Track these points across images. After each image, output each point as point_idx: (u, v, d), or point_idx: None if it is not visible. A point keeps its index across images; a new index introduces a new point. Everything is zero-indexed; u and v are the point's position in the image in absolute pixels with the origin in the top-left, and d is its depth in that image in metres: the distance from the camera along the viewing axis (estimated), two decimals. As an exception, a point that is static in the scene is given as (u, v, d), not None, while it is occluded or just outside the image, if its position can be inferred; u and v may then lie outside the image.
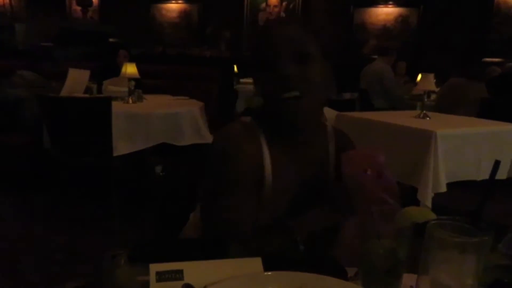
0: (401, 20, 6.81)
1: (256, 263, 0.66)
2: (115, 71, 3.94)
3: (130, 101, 3.23)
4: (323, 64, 0.95)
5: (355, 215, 0.82)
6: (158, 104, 3.34)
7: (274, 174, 0.92)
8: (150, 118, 2.86)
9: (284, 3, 7.37)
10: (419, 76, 3.68)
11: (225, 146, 0.92)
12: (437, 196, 2.33)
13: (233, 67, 5.76)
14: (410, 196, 2.39)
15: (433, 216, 0.62)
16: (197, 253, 0.74)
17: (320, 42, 0.97)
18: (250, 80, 6.35)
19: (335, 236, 0.91)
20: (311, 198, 0.98)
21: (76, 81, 3.41)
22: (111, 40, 6.23)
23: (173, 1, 7.97)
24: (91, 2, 6.81)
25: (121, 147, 2.78)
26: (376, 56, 5.81)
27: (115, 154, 2.75)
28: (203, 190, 0.98)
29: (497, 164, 0.62)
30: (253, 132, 0.93)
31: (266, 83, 0.91)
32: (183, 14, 7.92)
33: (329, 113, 3.20)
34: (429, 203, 2.26)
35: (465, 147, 2.46)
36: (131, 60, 3.60)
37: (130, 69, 3.41)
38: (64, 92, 3.28)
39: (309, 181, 0.98)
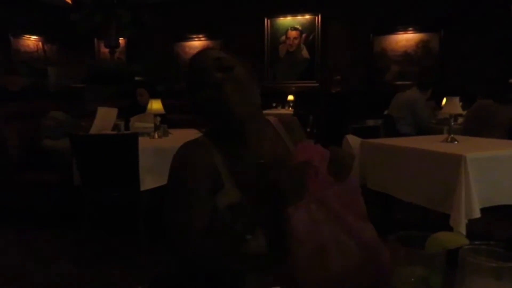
0: (422, 45, 6.79)
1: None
2: (141, 107, 4.06)
3: (156, 136, 3.30)
4: (246, 71, 1.02)
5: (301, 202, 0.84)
6: (183, 138, 3.33)
7: (234, 174, 0.98)
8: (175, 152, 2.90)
9: (303, 35, 7.50)
10: (444, 100, 3.62)
11: (178, 158, 1.01)
12: (471, 223, 2.24)
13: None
14: (442, 224, 2.31)
15: (465, 241, 0.60)
16: (214, 287, 0.74)
17: (242, 63, 1.03)
18: (271, 111, 6.43)
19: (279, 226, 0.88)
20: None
21: (105, 119, 3.52)
22: (137, 78, 6.45)
23: (196, 39, 8.23)
24: (118, 44, 7.11)
25: (148, 181, 2.82)
26: (399, 83, 5.81)
27: (142, 188, 2.79)
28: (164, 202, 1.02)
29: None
30: (203, 144, 1.01)
31: (205, 99, 0.98)
32: (206, 51, 8.16)
33: (354, 141, 3.17)
34: (463, 230, 2.17)
35: (497, 170, 2.37)
36: (156, 96, 3.70)
37: (156, 105, 3.50)
38: (93, 130, 3.39)
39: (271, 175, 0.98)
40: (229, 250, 0.91)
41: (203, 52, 1.06)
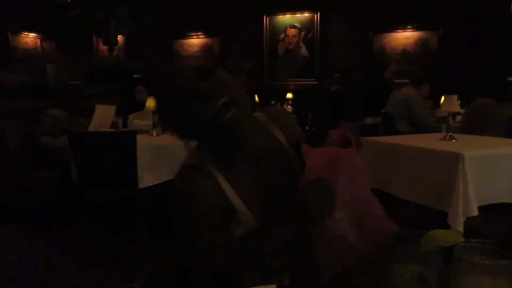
0: (421, 44, 6.79)
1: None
2: (139, 105, 4.06)
3: (155, 134, 3.30)
4: (227, 74, 0.95)
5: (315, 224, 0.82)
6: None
7: (244, 197, 0.92)
8: (174, 149, 2.90)
9: (302, 33, 7.49)
10: (442, 98, 3.62)
11: (180, 193, 0.92)
12: (469, 220, 2.24)
13: (254, 97, 5.85)
14: (440, 221, 2.31)
15: (461, 239, 0.60)
16: (211, 284, 0.74)
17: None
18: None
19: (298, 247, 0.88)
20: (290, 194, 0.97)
21: (103, 116, 3.52)
22: (135, 76, 6.45)
23: (195, 37, 8.22)
24: (117, 41, 7.09)
25: (147, 179, 2.82)
26: (398, 81, 5.80)
27: (140, 186, 2.79)
28: (174, 237, 1.00)
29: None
30: (203, 170, 0.92)
31: (195, 112, 0.90)
32: (205, 48, 8.14)
33: (352, 139, 3.18)
34: (460, 228, 2.17)
35: (495, 168, 2.37)
36: (154, 94, 3.69)
37: (154, 102, 3.50)
38: (91, 128, 3.38)
39: (280, 188, 0.97)
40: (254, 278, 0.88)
41: (178, 65, 1.01)
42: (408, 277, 0.59)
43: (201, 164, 0.93)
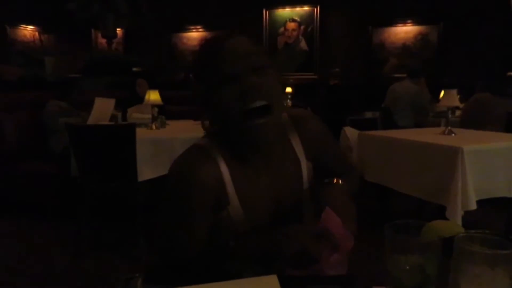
0: (421, 38, 6.78)
1: (272, 281, 0.65)
2: (138, 98, 4.05)
3: (154, 127, 3.29)
4: (276, 74, 0.90)
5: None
6: (181, 129, 3.39)
7: (240, 192, 0.90)
8: (173, 143, 2.90)
9: (302, 27, 7.47)
10: (442, 93, 3.62)
11: (178, 170, 0.90)
12: (467, 214, 2.25)
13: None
14: (439, 215, 2.32)
15: (460, 229, 0.61)
16: (213, 274, 0.74)
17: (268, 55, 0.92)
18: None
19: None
20: (290, 209, 0.97)
21: (102, 109, 3.51)
22: (134, 69, 6.42)
23: (194, 30, 8.18)
24: (116, 35, 7.06)
25: (146, 172, 2.82)
26: (398, 75, 5.79)
27: (140, 179, 2.79)
28: (159, 213, 0.98)
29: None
30: (208, 153, 0.90)
31: (225, 101, 0.84)
32: (204, 42, 8.11)
33: (351, 132, 3.18)
34: (459, 221, 2.18)
35: (494, 163, 2.38)
36: (153, 87, 3.69)
37: (153, 96, 3.49)
38: (90, 121, 3.38)
39: (283, 192, 0.96)
40: (220, 270, 0.87)
41: (228, 43, 0.88)
42: (407, 267, 0.59)
43: (208, 147, 0.90)
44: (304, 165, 1.00)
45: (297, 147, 0.99)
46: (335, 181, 0.98)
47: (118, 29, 7.17)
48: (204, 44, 0.93)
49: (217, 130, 0.93)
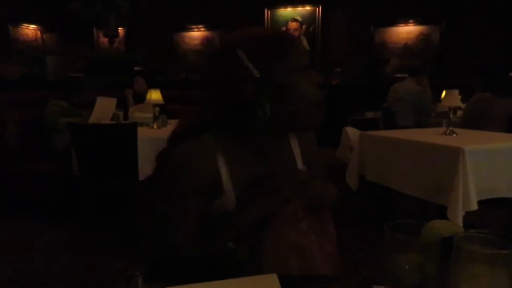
0: (423, 38, 6.77)
1: (272, 279, 0.65)
2: (140, 98, 4.05)
3: (155, 126, 3.30)
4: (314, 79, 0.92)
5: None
6: (182, 129, 3.39)
7: (235, 183, 0.90)
8: (174, 142, 2.90)
9: (304, 27, 7.46)
10: (444, 93, 3.62)
11: (176, 157, 0.91)
12: (468, 215, 2.25)
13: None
14: (440, 216, 2.32)
15: (460, 229, 0.61)
16: (213, 272, 0.75)
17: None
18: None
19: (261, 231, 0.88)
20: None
21: (104, 108, 3.52)
22: (136, 68, 6.43)
23: (195, 29, 8.19)
24: (117, 34, 7.07)
25: (147, 171, 2.82)
26: (399, 75, 5.78)
27: (141, 178, 2.80)
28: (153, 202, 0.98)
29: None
30: (205, 144, 0.90)
31: (304, 88, 0.88)
32: (206, 41, 8.12)
33: (352, 132, 3.18)
34: (460, 222, 2.18)
35: (495, 163, 2.38)
36: (155, 86, 3.70)
37: (155, 95, 3.50)
38: (92, 120, 3.39)
39: (277, 183, 0.96)
40: (210, 256, 0.88)
41: (296, 40, 0.92)
42: (407, 267, 0.59)
43: (205, 138, 0.91)
44: (301, 166, 1.02)
45: (295, 149, 1.02)
46: None
47: (120, 28, 7.19)
48: (267, 35, 0.93)
49: (222, 122, 0.93)
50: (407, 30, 6.86)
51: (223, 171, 0.90)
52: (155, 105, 3.41)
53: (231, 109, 0.91)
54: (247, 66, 0.85)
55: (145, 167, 2.82)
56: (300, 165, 1.02)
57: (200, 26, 8.14)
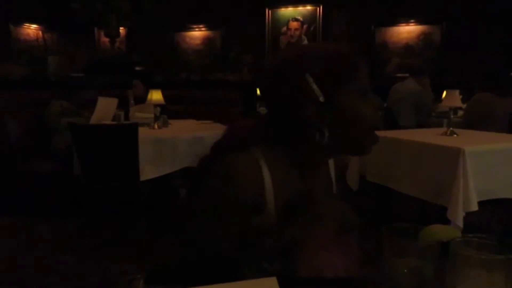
0: (424, 38, 6.76)
1: (272, 283, 0.65)
2: (138, 99, 4.05)
3: (156, 126, 3.30)
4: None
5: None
6: (183, 129, 3.40)
7: (277, 200, 0.88)
8: (175, 142, 2.91)
9: (305, 26, 7.46)
10: (444, 93, 3.62)
11: (222, 167, 0.87)
12: (468, 215, 2.26)
13: (256, 90, 5.83)
14: (440, 216, 2.32)
15: (458, 233, 0.61)
16: (214, 276, 0.75)
17: None
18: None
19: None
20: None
21: (105, 109, 3.53)
22: (137, 68, 6.43)
23: (196, 29, 8.19)
24: (119, 34, 7.07)
25: (148, 171, 2.83)
26: (400, 75, 5.77)
27: (142, 178, 2.80)
28: (194, 208, 0.94)
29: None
30: (255, 158, 0.87)
31: (363, 111, 0.88)
32: (207, 41, 8.12)
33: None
34: (460, 223, 2.19)
35: (496, 164, 2.38)
36: (155, 86, 3.70)
37: (156, 95, 3.50)
38: (93, 120, 3.39)
39: (318, 207, 0.96)
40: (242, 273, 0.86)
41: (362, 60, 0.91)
42: (405, 271, 0.60)
43: (254, 151, 0.88)
44: (335, 189, 1.05)
45: (332, 172, 1.06)
46: None
47: (121, 28, 7.19)
48: (335, 57, 0.90)
49: (273, 137, 0.90)
50: (408, 30, 6.85)
51: (268, 187, 0.86)
52: (156, 105, 3.41)
53: (287, 128, 0.88)
54: (313, 90, 0.83)
55: (146, 167, 2.83)
56: (334, 188, 1.04)
57: (201, 26, 8.14)
